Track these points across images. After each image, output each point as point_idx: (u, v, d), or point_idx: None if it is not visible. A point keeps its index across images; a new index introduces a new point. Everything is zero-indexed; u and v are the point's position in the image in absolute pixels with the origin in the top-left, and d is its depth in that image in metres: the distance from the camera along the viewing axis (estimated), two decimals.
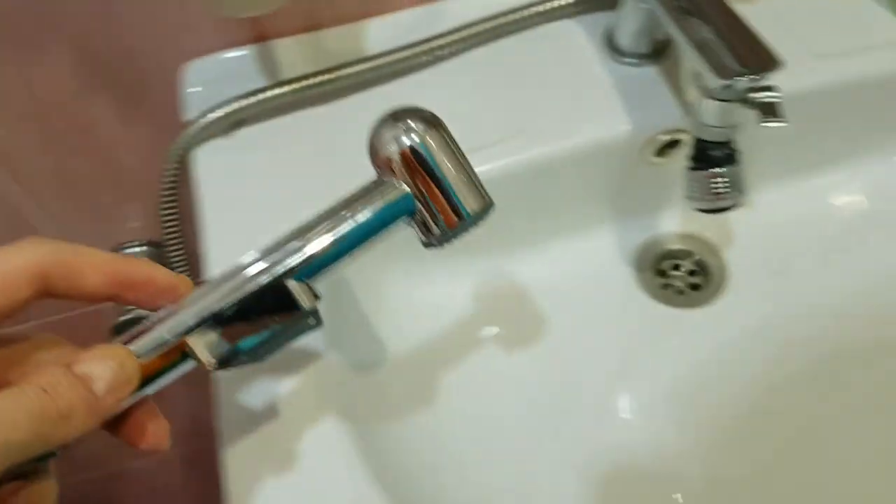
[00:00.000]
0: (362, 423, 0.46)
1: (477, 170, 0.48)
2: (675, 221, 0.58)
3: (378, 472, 0.41)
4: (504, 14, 0.53)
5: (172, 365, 0.30)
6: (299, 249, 0.32)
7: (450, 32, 0.52)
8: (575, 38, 0.54)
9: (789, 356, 0.53)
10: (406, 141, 0.33)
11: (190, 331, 0.30)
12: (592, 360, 0.54)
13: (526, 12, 0.53)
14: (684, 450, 0.50)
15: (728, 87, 0.41)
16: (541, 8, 0.53)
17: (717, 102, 0.43)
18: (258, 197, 0.48)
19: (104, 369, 0.27)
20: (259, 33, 0.53)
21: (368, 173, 0.48)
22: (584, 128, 0.50)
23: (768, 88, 0.42)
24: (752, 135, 0.52)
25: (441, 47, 0.52)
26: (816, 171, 0.57)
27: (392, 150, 0.33)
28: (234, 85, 0.51)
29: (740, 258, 0.57)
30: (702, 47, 0.42)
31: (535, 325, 0.55)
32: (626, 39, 0.51)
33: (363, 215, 0.33)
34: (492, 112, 0.51)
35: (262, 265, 0.31)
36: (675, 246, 0.58)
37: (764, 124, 0.42)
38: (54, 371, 0.26)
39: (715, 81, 0.41)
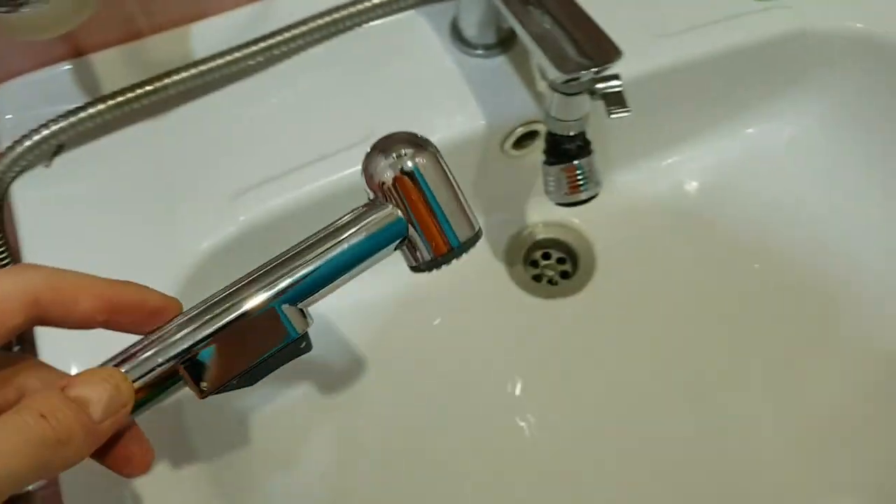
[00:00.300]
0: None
1: (323, 181, 0.46)
2: (542, 211, 0.57)
3: None
4: (343, 7, 0.50)
5: (164, 388, 0.30)
6: (291, 272, 0.31)
7: (285, 29, 0.49)
8: (420, 30, 0.51)
9: (658, 335, 0.53)
10: (401, 166, 0.33)
11: (183, 355, 0.29)
12: (472, 360, 0.52)
13: (367, 4, 0.50)
14: (571, 437, 0.50)
15: (571, 81, 0.40)
16: None
17: (563, 96, 0.41)
18: (84, 230, 0.44)
19: (101, 393, 0.26)
20: (74, 48, 0.48)
21: (207, 185, 0.45)
22: (437, 126, 0.48)
23: (613, 78, 0.41)
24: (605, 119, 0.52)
25: (276, 46, 0.48)
26: (671, 148, 0.57)
27: (387, 175, 0.33)
28: (52, 107, 0.46)
29: (606, 242, 0.56)
30: (542, 40, 0.40)
31: (412, 333, 0.53)
32: (471, 30, 0.49)
33: (356, 238, 0.32)
34: (336, 115, 0.48)
35: (253, 287, 0.31)
36: (544, 235, 0.57)
37: (611, 115, 0.41)
38: (50, 395, 0.25)
39: (557, 76, 0.39)
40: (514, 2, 0.42)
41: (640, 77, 0.50)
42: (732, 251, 0.55)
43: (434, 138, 0.47)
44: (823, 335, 0.52)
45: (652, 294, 0.55)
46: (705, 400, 0.51)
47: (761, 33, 0.52)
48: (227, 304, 0.30)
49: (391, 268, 0.53)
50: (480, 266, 0.56)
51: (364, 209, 0.33)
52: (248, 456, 0.46)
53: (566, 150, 0.44)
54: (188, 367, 0.30)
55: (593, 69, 0.39)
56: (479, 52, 0.50)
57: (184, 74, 0.47)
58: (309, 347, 0.32)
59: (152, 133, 0.47)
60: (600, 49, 0.39)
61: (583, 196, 0.45)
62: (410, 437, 0.50)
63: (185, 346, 0.29)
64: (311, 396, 0.50)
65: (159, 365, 0.29)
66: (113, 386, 0.27)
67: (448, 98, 0.49)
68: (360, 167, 0.46)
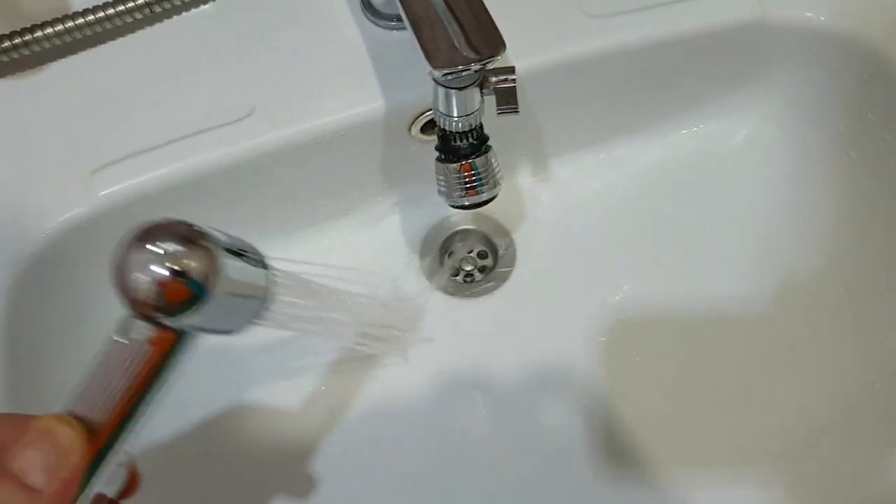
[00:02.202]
0: None
1: (194, 160, 0.42)
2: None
3: None
4: None
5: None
6: None
7: None
8: None
9: (572, 342, 0.49)
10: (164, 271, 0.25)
11: None
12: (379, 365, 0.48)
13: None
14: (480, 444, 0.46)
15: (449, 75, 0.34)
16: None
17: (447, 90, 0.36)
18: None
19: (37, 457, 0.24)
20: None
21: (68, 155, 0.41)
22: (329, 105, 0.43)
23: (506, 71, 0.36)
24: (533, 105, 0.47)
25: (159, 2, 0.43)
26: (609, 141, 0.52)
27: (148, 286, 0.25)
28: None
29: (531, 237, 0.52)
30: (421, 25, 0.35)
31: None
32: None
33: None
34: (219, 85, 0.43)
35: None
36: (464, 227, 0.53)
37: (499, 113, 0.36)
38: None
39: (429, 70, 0.34)
40: None
41: (570, 62, 0.45)
42: (668, 253, 0.50)
43: (326, 119, 0.43)
44: (763, 345, 0.48)
45: (571, 296, 0.50)
46: (626, 415, 0.47)
47: (714, 21, 0.46)
48: None
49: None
50: (391, 258, 0.51)
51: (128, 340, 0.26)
52: None
53: (457, 147, 0.39)
54: None
55: (473, 64, 0.33)
56: (392, 23, 0.45)
57: (53, 30, 0.42)
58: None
59: (15, 92, 0.43)
60: (482, 42, 0.34)
61: (475, 200, 0.40)
62: (305, 440, 0.46)
63: None
64: (205, 409, 0.46)
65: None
66: (49, 441, 0.24)
67: (348, 74, 0.44)
68: (237, 146, 0.42)
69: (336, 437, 0.46)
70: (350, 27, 0.45)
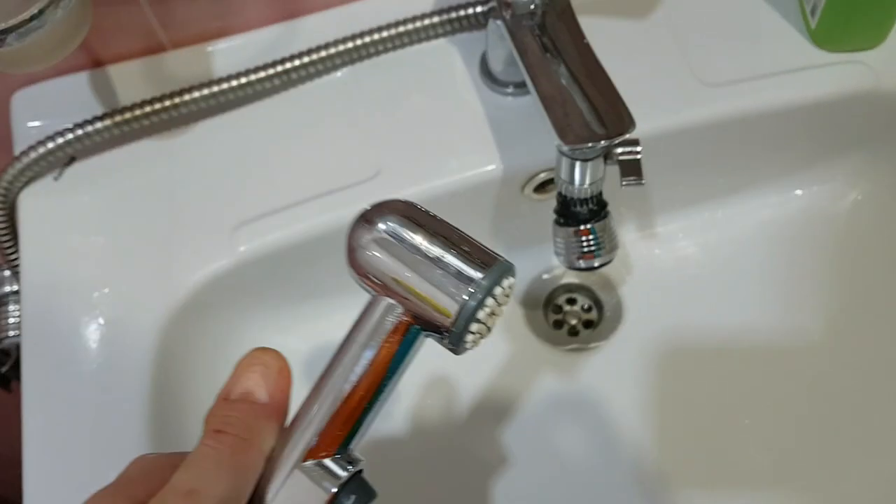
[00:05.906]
0: None
1: (324, 218, 0.44)
2: None
3: None
4: (369, 33, 0.47)
5: None
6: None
7: (306, 53, 0.47)
8: (448, 61, 0.48)
9: (676, 400, 0.49)
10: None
11: None
12: (476, 410, 0.50)
13: (392, 31, 0.47)
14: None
15: (576, 150, 0.36)
16: (409, 27, 0.47)
17: (573, 161, 0.38)
18: (82, 248, 0.44)
19: (255, 378, 0.26)
20: (93, 58, 0.47)
21: (210, 211, 0.45)
22: (450, 166, 0.46)
23: (631, 143, 0.38)
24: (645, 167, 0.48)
25: (295, 70, 0.47)
26: (718, 201, 0.53)
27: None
28: (67, 116, 0.46)
29: (637, 293, 0.53)
30: (551, 101, 0.37)
31: (410, 376, 0.51)
32: (498, 67, 0.46)
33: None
34: (348, 147, 0.46)
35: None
36: (570, 280, 0.54)
37: (623, 184, 0.37)
38: (215, 409, 0.26)
39: (560, 144, 0.36)
40: (532, 51, 0.39)
41: (684, 128, 0.46)
42: (775, 314, 0.51)
43: (445, 179, 0.46)
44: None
45: (679, 355, 0.51)
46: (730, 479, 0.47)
47: (828, 91, 0.46)
48: None
49: None
50: None
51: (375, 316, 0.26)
52: None
53: (576, 212, 0.41)
54: None
55: (598, 141, 0.35)
56: (508, 90, 0.47)
57: (198, 94, 0.46)
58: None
59: (163, 151, 0.47)
60: (612, 118, 0.35)
61: (591, 263, 0.42)
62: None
63: None
64: None
65: None
66: (260, 364, 0.26)
67: (467, 137, 0.46)
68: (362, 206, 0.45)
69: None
70: (470, 93, 0.47)
